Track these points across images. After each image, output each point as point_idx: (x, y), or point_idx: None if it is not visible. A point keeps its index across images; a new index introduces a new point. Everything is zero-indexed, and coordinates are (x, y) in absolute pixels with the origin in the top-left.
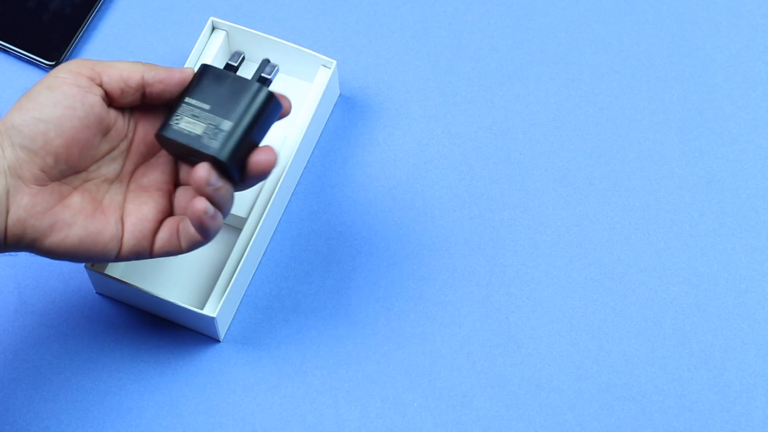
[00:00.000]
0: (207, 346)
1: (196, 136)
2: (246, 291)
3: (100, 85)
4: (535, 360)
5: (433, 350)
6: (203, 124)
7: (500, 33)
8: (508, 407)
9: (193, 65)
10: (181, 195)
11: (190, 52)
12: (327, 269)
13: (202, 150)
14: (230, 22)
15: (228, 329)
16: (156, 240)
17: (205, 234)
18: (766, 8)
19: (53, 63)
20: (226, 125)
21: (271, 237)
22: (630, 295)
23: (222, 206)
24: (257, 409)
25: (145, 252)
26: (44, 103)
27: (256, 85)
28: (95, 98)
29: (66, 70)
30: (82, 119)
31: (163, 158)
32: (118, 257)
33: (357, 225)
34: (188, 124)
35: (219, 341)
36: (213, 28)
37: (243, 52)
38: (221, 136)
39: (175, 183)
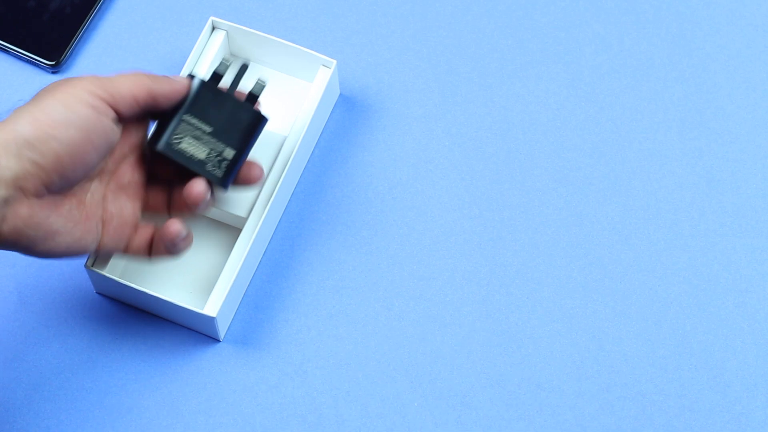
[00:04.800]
0: (207, 346)
1: (200, 162)
2: (246, 291)
3: (114, 107)
4: (535, 360)
5: (433, 350)
6: (206, 149)
7: (500, 33)
8: (508, 407)
9: (193, 65)
10: (156, 195)
11: (190, 52)
12: (327, 269)
13: (208, 177)
14: (230, 22)
15: (228, 329)
16: (131, 244)
17: (176, 253)
18: (766, 8)
19: (53, 63)
20: (230, 154)
21: (271, 237)
22: (630, 295)
23: (198, 215)
24: (257, 409)
25: (119, 252)
26: (60, 122)
27: (256, 112)
28: (108, 123)
29: (81, 88)
30: (93, 143)
31: (139, 155)
32: (92, 254)
33: (357, 225)
34: (190, 145)
35: (219, 341)
36: (213, 28)
37: (230, 60)
38: (225, 165)
39: (148, 178)
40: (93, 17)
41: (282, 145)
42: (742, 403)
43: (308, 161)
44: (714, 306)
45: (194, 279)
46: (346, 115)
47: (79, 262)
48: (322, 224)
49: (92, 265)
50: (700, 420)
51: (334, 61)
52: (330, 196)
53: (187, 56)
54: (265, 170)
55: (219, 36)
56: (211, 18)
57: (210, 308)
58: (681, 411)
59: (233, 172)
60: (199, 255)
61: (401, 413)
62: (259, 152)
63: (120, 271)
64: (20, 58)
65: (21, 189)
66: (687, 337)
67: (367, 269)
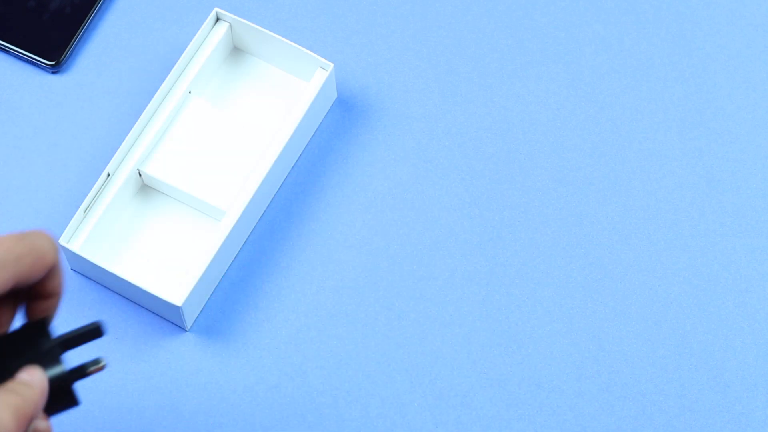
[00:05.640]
0: (207, 345)
1: None
2: (246, 291)
3: None
4: (535, 360)
5: (433, 350)
6: None
7: (500, 33)
8: (508, 407)
9: (192, 54)
10: None
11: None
12: (327, 270)
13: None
14: (234, 16)
15: (228, 328)
16: None
17: None
18: (766, 8)
19: (53, 63)
20: None
21: (271, 237)
22: (630, 295)
23: None
24: (257, 409)
25: None
26: None
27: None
28: None
29: None
30: None
31: None
32: None
33: (357, 225)
34: None
35: (185, 330)
36: (217, 20)
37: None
38: None
39: None
40: (93, 17)
41: (269, 143)
42: (742, 403)
43: (306, 160)
44: (714, 306)
45: (178, 270)
46: (346, 114)
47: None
48: (322, 224)
49: (67, 242)
50: (700, 420)
51: (332, 65)
52: (330, 196)
53: (187, 45)
54: (251, 165)
55: (222, 28)
56: (215, 9)
57: (177, 297)
58: (681, 411)
59: None
60: (186, 245)
61: (401, 413)
62: (245, 146)
63: (104, 251)
64: (20, 58)
65: None
66: (687, 337)
67: (366, 269)
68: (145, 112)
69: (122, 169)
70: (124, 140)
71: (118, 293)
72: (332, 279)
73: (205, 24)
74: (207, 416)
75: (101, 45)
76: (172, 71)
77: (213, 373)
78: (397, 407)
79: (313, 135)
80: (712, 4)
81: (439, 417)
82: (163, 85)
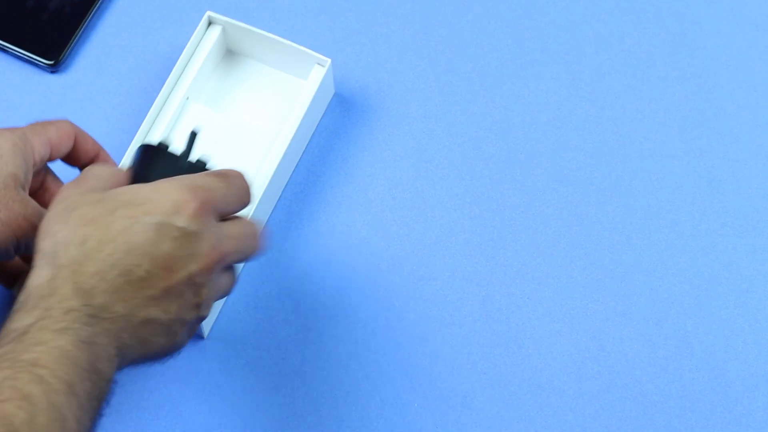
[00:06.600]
0: (206, 346)
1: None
2: (245, 291)
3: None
4: (535, 360)
5: (433, 350)
6: None
7: (500, 33)
8: (508, 407)
9: (187, 60)
10: None
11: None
12: (327, 269)
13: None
14: (227, 18)
15: (228, 329)
16: None
17: None
18: (767, 8)
19: (52, 62)
20: None
21: (270, 237)
22: (630, 295)
23: None
24: (257, 409)
25: None
26: None
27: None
28: None
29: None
30: None
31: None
32: None
33: (357, 225)
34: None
35: (203, 338)
36: (209, 23)
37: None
38: None
39: None
40: (92, 16)
41: (271, 143)
42: (743, 403)
43: (306, 160)
44: (715, 306)
45: None
46: (346, 114)
47: None
48: (321, 224)
49: None
50: (701, 420)
51: (329, 60)
52: (330, 196)
53: (182, 51)
54: (254, 167)
55: (215, 31)
56: (208, 13)
57: None
58: (682, 411)
59: None
60: None
61: (401, 413)
62: (247, 149)
63: None
64: (19, 58)
65: None
66: (688, 337)
67: (366, 269)
68: (145, 120)
69: None
70: (125, 155)
71: None
72: (332, 279)
73: (198, 28)
74: (207, 416)
75: (100, 45)
76: (169, 78)
77: (213, 374)
78: (397, 407)
79: (313, 135)
80: (713, 3)
81: (439, 417)
82: (160, 93)
